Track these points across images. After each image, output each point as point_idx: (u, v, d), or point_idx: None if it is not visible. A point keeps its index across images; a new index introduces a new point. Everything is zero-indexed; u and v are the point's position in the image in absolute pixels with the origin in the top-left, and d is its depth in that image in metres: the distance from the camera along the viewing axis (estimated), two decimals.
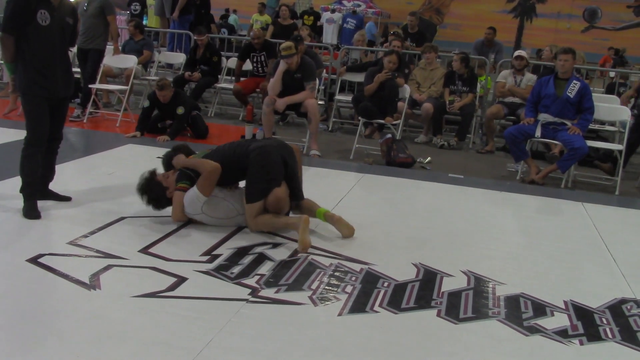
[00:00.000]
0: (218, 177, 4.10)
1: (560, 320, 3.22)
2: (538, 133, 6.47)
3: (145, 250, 3.70)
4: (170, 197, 4.18)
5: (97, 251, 3.63)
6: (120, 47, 8.80)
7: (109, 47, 8.39)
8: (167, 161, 4.38)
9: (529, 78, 7.96)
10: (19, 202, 4.20)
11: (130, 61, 8.58)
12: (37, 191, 4.26)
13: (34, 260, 3.43)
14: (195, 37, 9.13)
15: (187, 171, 4.18)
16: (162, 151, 4.58)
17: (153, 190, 4.19)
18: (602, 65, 14.48)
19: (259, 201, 4.10)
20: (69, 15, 4.27)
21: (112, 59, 8.63)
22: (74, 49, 8.56)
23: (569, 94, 6.40)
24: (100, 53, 8.03)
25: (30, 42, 4.05)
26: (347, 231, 4.20)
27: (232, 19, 20.05)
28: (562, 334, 3.08)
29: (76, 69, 8.92)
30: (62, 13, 4.20)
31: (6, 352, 2.55)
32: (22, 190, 4.20)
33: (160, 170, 4.43)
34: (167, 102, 7.02)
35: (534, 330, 3.09)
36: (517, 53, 8.26)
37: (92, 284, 3.21)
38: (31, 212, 4.13)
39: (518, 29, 22.75)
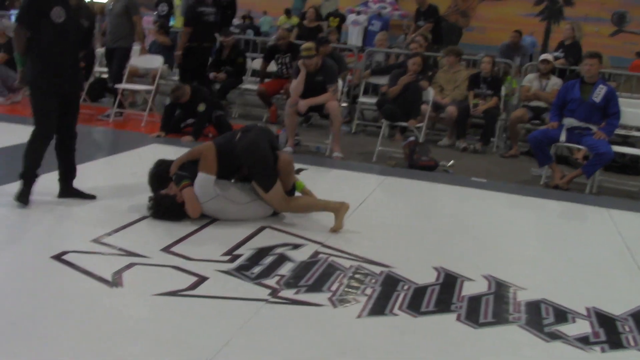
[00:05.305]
0: (214, 153, 4.18)
1: (581, 327, 3.19)
2: (563, 137, 6.40)
3: (167, 249, 3.74)
4: (181, 201, 4.19)
5: (120, 249, 3.68)
6: (147, 47, 8.87)
7: (135, 48, 8.47)
8: (157, 179, 4.37)
9: (555, 82, 7.88)
10: (47, 199, 4.30)
11: (156, 61, 8.66)
12: (35, 178, 4.31)
13: (58, 257, 3.48)
14: (221, 39, 9.12)
15: (181, 173, 4.21)
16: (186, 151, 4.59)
17: (163, 204, 4.19)
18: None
19: (275, 184, 4.23)
20: (85, 17, 4.35)
21: (139, 59, 8.72)
22: (102, 50, 8.70)
23: (595, 99, 6.32)
24: (126, 51, 8.09)
25: (42, 37, 4.13)
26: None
27: (264, 20, 20.02)
28: (584, 341, 3.04)
29: (104, 69, 9.06)
30: (78, 14, 4.27)
31: (28, 346, 2.60)
32: (22, 176, 4.26)
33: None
34: (188, 101, 7.06)
35: (554, 336, 3.07)
36: (542, 57, 8.18)
37: (115, 281, 3.25)
38: (24, 197, 4.22)
39: (545, 32, 22.50)
